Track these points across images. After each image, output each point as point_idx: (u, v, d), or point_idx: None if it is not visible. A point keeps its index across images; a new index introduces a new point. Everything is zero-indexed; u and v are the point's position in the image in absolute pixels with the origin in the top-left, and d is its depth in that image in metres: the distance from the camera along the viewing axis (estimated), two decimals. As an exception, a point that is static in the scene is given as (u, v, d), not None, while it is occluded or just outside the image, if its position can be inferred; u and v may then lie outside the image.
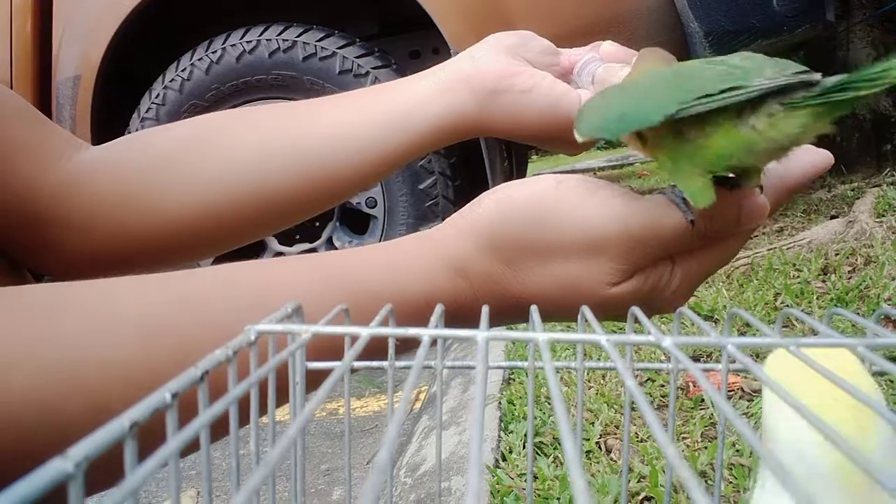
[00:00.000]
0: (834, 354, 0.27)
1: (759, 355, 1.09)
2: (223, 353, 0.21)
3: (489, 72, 0.49)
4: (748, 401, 1.04)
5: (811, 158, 0.42)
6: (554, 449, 0.97)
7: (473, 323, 0.36)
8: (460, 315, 0.39)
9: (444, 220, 1.68)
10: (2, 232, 0.46)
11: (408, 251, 0.40)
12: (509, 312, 0.41)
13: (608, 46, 0.52)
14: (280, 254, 2.08)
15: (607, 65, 0.51)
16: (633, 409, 1.00)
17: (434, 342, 0.26)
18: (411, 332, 0.25)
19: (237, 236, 0.56)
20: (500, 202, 0.39)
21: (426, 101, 0.50)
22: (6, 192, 0.45)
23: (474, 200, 0.41)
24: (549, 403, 1.13)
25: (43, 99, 2.05)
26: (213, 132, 0.53)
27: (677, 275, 0.39)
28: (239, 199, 0.51)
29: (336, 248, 2.04)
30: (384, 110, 0.51)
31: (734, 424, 0.18)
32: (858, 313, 0.31)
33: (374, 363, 0.31)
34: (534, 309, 0.30)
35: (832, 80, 0.34)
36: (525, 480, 0.91)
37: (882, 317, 0.36)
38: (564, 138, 0.50)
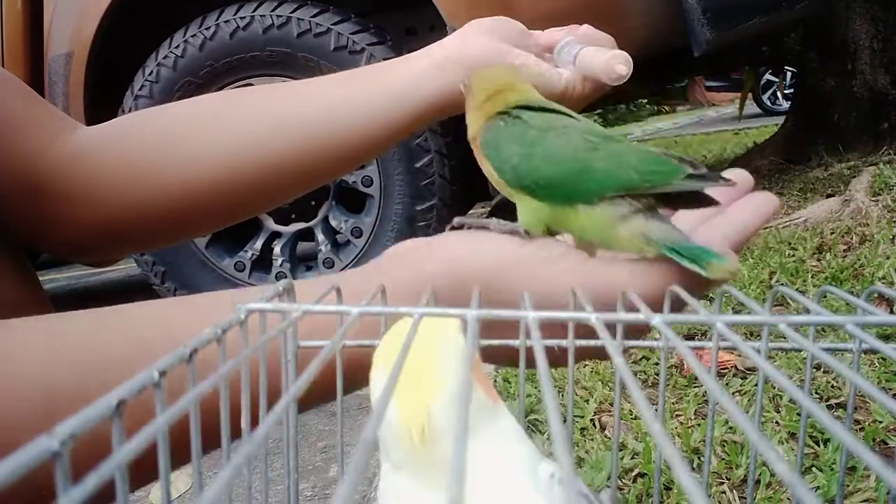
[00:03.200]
0: (436, 324, 0.25)
1: (752, 334, 1.10)
2: (212, 331, 0.21)
3: (479, 51, 0.52)
4: (742, 378, 1.05)
5: (756, 208, 0.38)
6: (549, 426, 0.98)
7: None
8: None
9: (440, 199, 1.68)
10: (3, 208, 0.46)
11: None
12: None
13: (586, 29, 0.56)
14: (276, 233, 2.08)
15: (589, 47, 0.54)
16: (626, 386, 1.00)
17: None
18: (402, 310, 0.25)
19: (238, 209, 0.57)
20: (452, 262, 0.37)
21: (423, 78, 0.53)
22: (7, 168, 0.46)
23: (415, 246, 0.40)
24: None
25: (35, 76, 2.03)
26: (217, 106, 0.55)
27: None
28: (241, 169, 0.52)
29: (332, 227, 2.04)
30: (386, 85, 0.54)
31: (720, 401, 0.18)
32: (852, 292, 0.31)
33: (366, 342, 0.31)
34: (525, 294, 0.30)
35: (674, 236, 0.34)
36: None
37: (875, 295, 0.36)
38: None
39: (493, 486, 0.24)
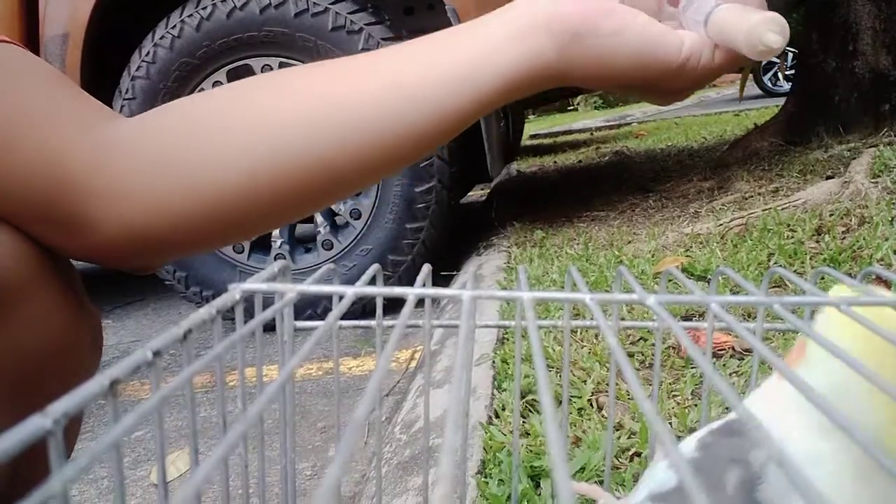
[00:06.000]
0: (881, 312, 0.27)
1: (750, 315, 1.10)
2: (207, 311, 0.21)
3: (572, 12, 0.43)
4: (739, 359, 1.05)
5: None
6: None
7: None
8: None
9: (439, 180, 1.68)
10: (29, 207, 0.43)
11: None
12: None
13: None
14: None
15: (728, 4, 0.42)
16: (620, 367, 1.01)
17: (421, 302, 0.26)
18: (397, 291, 0.25)
19: (275, 213, 0.49)
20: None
21: (496, 49, 0.44)
22: (36, 162, 0.43)
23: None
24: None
25: (31, 57, 2.01)
26: (252, 96, 0.48)
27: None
28: (278, 168, 0.45)
29: (330, 209, 2.04)
30: (449, 62, 0.45)
31: (713, 381, 0.19)
32: (850, 274, 0.31)
33: (362, 322, 0.31)
34: (521, 269, 0.30)
35: None
36: (519, 436, 0.93)
37: (872, 276, 0.36)
38: (659, 86, 0.45)
39: None
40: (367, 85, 0.45)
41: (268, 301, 0.24)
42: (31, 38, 2.02)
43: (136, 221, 0.45)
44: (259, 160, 0.45)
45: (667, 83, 0.45)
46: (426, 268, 0.29)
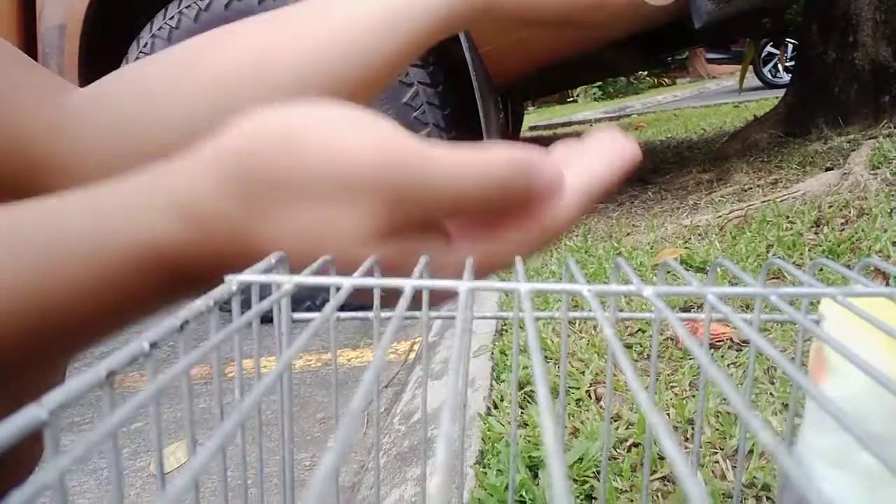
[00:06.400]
0: (879, 305, 0.27)
1: (748, 306, 1.10)
2: (204, 302, 0.21)
3: None
4: (737, 350, 1.06)
5: (620, 152, 0.33)
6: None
7: (200, 284, 0.31)
8: (183, 271, 0.30)
9: (433, 124, 1.69)
10: (6, 189, 0.43)
11: (128, 191, 0.31)
12: (243, 264, 0.29)
13: None
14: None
15: None
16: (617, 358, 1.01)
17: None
18: (394, 282, 0.25)
19: None
20: (254, 127, 0.30)
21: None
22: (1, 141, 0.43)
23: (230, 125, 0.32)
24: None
25: (29, 49, 2.01)
26: (195, 56, 0.47)
27: (453, 256, 0.31)
28: (221, 118, 0.46)
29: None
30: (379, 6, 0.45)
31: (709, 372, 0.19)
32: (849, 265, 0.31)
33: (360, 314, 0.31)
34: (518, 261, 0.30)
35: None
36: (517, 427, 0.93)
37: (872, 268, 0.37)
38: (585, 17, 0.46)
39: None
40: (304, 39, 0.45)
41: (266, 292, 0.24)
42: (28, 29, 2.01)
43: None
44: (201, 121, 0.45)
45: (592, 14, 0.46)
46: (423, 259, 0.29)
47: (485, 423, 0.93)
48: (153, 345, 0.17)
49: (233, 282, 0.23)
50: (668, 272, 1.38)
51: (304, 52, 0.45)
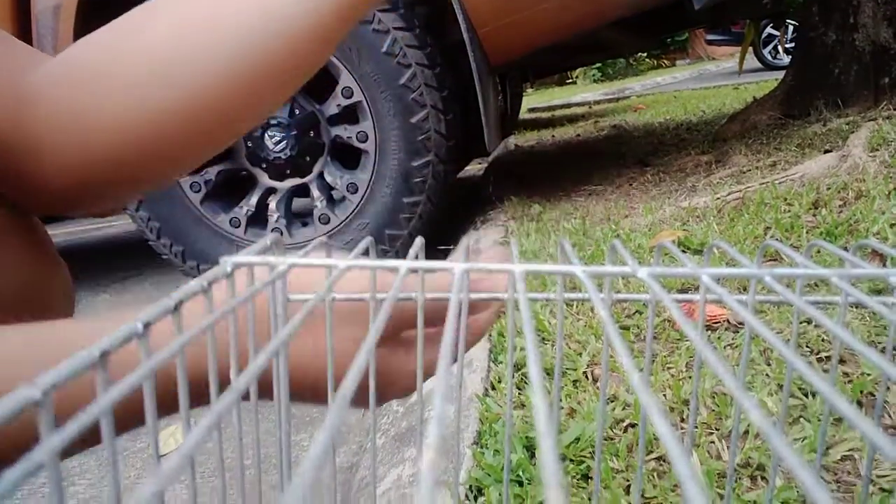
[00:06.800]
0: None
1: (745, 288, 1.10)
2: (198, 283, 0.21)
3: None
4: (734, 332, 1.06)
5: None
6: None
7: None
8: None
9: (435, 155, 1.67)
10: None
11: None
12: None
13: None
14: (271, 189, 2.07)
15: None
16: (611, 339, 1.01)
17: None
18: (389, 263, 0.25)
19: (186, 146, 0.48)
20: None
21: None
22: None
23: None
24: (538, 335, 1.15)
25: (23, 30, 1.99)
26: (132, 31, 0.48)
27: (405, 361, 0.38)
28: (164, 102, 0.46)
29: (327, 183, 2.03)
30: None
31: (701, 351, 0.19)
32: (845, 247, 0.31)
33: (355, 295, 0.31)
34: (513, 242, 0.30)
35: None
36: (514, 408, 0.94)
37: (869, 250, 0.37)
38: None
39: None
40: (231, 17, 0.45)
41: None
42: (22, 10, 2.00)
43: (60, 172, 0.45)
44: (143, 97, 0.45)
45: None
46: (419, 240, 0.29)
47: (482, 404, 0.94)
48: (146, 325, 0.17)
49: (227, 263, 0.23)
50: (665, 254, 1.38)
51: (226, 28, 0.45)
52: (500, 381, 1.02)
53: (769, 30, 7.57)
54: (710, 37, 9.24)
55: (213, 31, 0.45)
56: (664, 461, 0.78)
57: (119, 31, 0.48)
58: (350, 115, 1.95)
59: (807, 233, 1.42)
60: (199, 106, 0.46)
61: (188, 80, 0.45)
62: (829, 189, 1.65)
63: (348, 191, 1.98)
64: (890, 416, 0.79)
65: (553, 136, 4.78)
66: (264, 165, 2.03)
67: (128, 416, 0.28)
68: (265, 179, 2.07)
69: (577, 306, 1.25)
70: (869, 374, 0.86)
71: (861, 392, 0.82)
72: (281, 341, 0.19)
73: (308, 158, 2.03)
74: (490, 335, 1.19)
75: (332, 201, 2.05)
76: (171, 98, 0.45)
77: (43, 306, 0.46)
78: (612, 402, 0.91)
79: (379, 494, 0.83)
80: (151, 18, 0.48)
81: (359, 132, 1.94)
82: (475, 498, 0.76)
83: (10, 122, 0.44)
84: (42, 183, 0.46)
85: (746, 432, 0.80)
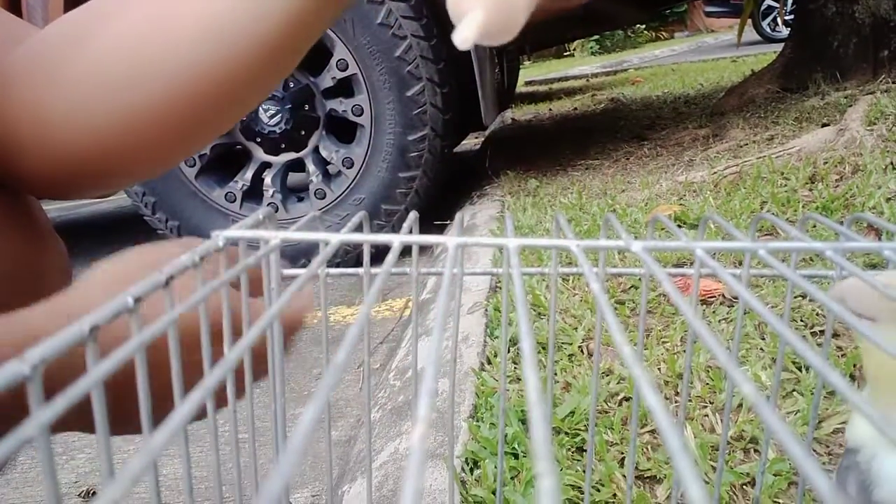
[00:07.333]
0: None
1: (740, 262, 1.11)
2: (189, 258, 0.20)
3: None
4: (728, 306, 1.07)
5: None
6: (537, 353, 1.00)
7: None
8: None
9: (432, 129, 1.65)
10: None
11: None
12: None
13: None
14: (266, 164, 2.06)
15: None
16: (615, 314, 1.02)
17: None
18: (382, 237, 0.25)
19: (155, 142, 0.46)
20: None
21: None
22: None
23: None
24: (534, 310, 1.15)
25: (12, 3, 1.96)
26: (101, 23, 0.45)
27: None
28: (135, 92, 0.44)
29: (322, 158, 2.02)
30: None
31: (692, 324, 0.19)
32: (841, 221, 0.31)
33: (349, 270, 0.31)
34: (508, 217, 0.30)
35: None
36: (508, 382, 0.94)
37: (865, 224, 0.37)
38: None
39: None
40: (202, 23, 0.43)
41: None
42: (11, -19, 1.96)
43: (54, 145, 0.44)
44: (119, 89, 0.44)
45: None
46: (412, 215, 0.28)
47: (478, 378, 0.95)
48: (137, 300, 0.17)
49: (219, 237, 0.23)
50: (660, 228, 1.38)
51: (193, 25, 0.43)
52: (496, 356, 1.03)
53: (768, 1, 7.50)
54: (708, 9, 9.14)
55: (175, 30, 0.43)
56: (658, 434, 0.79)
57: (94, 15, 0.46)
58: (345, 88, 1.93)
59: (803, 207, 1.42)
60: (168, 100, 0.44)
61: (157, 74, 0.43)
62: (825, 163, 1.65)
63: (344, 165, 1.97)
64: (882, 388, 0.79)
65: (550, 109, 4.75)
66: (259, 139, 2.02)
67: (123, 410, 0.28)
68: (260, 154, 2.06)
69: (572, 281, 1.26)
70: (862, 348, 0.87)
71: (854, 366, 0.83)
72: (273, 315, 0.19)
73: (303, 132, 2.02)
74: (486, 309, 1.20)
75: (327, 176, 2.04)
76: (139, 96, 0.44)
77: (35, 282, 0.46)
78: (607, 375, 0.91)
79: (376, 467, 0.83)
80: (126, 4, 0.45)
81: (354, 105, 1.92)
82: (471, 471, 0.77)
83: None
84: (27, 163, 0.45)
85: (740, 406, 0.80)
